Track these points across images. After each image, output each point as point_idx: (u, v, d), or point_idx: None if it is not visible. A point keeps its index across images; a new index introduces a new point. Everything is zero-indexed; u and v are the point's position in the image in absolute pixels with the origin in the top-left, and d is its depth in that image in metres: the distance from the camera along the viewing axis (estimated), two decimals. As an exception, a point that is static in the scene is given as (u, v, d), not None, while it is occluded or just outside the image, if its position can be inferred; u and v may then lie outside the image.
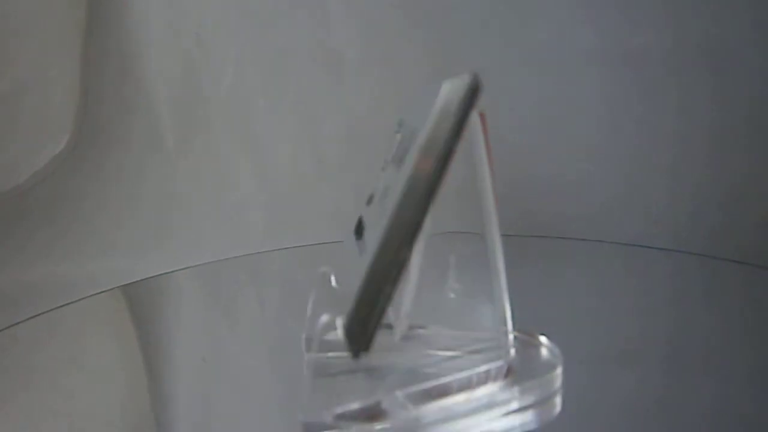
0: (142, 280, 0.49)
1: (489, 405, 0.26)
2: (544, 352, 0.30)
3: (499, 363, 0.27)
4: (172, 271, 0.50)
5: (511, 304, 0.28)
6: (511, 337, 0.27)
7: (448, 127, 0.22)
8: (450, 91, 0.23)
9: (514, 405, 0.26)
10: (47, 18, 0.74)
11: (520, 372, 0.27)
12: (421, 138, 0.22)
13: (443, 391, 0.25)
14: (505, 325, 0.27)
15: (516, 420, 0.26)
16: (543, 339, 0.30)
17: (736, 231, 0.55)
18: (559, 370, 0.28)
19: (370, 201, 0.27)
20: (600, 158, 0.59)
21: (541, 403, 0.27)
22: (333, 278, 0.28)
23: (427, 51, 0.63)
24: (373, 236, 0.22)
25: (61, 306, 0.42)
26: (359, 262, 0.23)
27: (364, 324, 0.21)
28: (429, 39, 0.64)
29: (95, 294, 0.45)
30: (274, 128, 0.70)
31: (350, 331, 0.21)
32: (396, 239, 0.21)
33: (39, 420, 0.32)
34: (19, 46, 0.73)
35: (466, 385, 0.26)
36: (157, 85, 0.74)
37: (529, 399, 0.27)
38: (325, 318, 0.24)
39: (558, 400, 0.28)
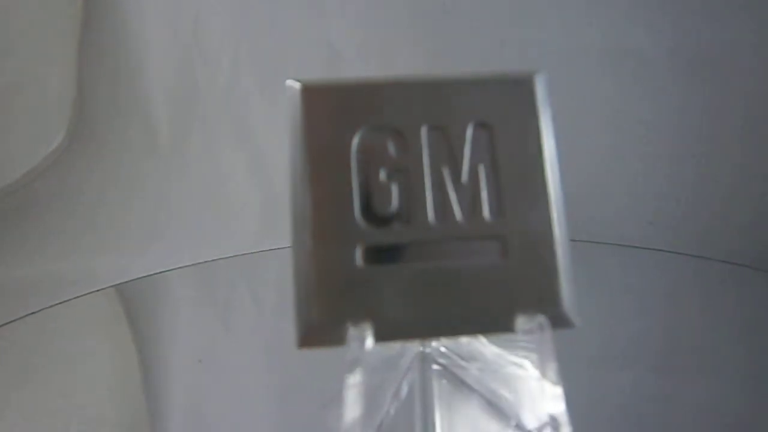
0: (137, 279, 0.49)
1: None
2: None
3: None
4: (168, 270, 0.49)
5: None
6: None
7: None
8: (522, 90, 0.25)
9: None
10: (43, 14, 0.74)
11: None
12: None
13: None
14: None
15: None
16: None
17: (730, 232, 0.55)
18: None
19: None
20: (596, 160, 0.60)
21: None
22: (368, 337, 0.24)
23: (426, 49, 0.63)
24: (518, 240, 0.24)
25: (56, 304, 0.42)
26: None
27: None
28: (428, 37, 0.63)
29: (90, 293, 0.45)
30: (272, 127, 0.70)
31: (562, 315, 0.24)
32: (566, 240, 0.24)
33: (33, 419, 0.32)
34: (14, 42, 0.73)
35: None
36: (154, 82, 0.74)
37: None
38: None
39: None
